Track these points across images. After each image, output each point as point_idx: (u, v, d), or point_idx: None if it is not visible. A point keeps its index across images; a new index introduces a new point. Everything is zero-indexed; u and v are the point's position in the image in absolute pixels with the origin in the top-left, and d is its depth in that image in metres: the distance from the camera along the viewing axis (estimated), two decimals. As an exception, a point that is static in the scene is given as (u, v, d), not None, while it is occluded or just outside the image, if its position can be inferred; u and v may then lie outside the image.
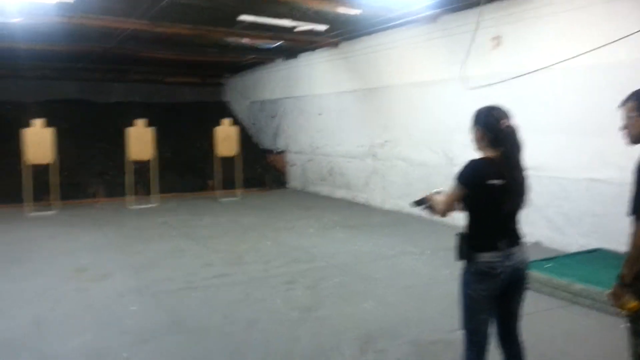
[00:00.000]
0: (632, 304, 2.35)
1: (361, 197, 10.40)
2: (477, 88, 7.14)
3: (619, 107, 2.59)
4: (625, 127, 2.57)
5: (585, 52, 5.90)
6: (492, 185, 2.50)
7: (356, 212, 9.45)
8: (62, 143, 10.29)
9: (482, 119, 2.62)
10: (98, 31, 8.62)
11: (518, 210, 2.63)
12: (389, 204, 9.57)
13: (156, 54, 11.09)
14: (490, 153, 2.58)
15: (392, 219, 8.76)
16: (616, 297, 2.44)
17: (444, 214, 2.69)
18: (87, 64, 12.34)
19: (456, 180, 2.55)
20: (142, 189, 11.09)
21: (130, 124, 10.36)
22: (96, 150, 12.43)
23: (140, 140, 10.28)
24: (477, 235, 2.49)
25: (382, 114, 9.69)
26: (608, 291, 2.48)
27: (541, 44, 6.59)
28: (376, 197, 9.97)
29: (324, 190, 11.67)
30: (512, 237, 2.60)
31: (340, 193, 11.11)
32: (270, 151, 13.94)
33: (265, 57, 12.45)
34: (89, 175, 11.48)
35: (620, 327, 4.07)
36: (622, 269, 2.42)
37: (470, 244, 2.57)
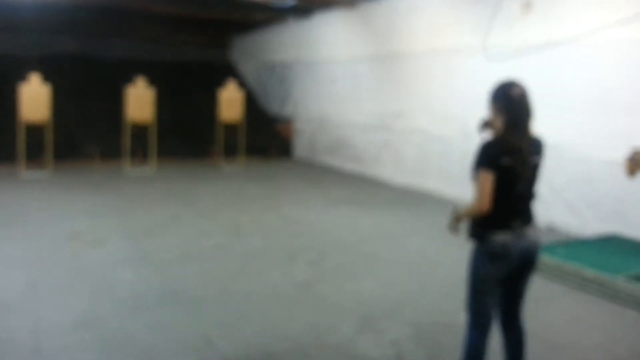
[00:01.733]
0: None
1: (371, 171, 10.47)
2: (500, 59, 7.11)
3: None
4: None
5: (616, 23, 5.82)
6: (505, 165, 2.57)
7: (364, 187, 9.55)
8: (59, 101, 10.40)
9: (498, 94, 2.69)
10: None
11: (531, 189, 2.70)
12: (400, 180, 9.63)
13: (160, 9, 11.07)
14: (503, 130, 2.65)
15: (401, 195, 8.85)
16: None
17: (485, 210, 2.60)
18: (88, 17, 12.32)
19: (479, 167, 2.60)
20: (141, 152, 11.24)
21: (131, 83, 10.43)
22: (94, 109, 12.53)
23: (140, 102, 10.35)
24: (491, 215, 2.58)
25: (398, 83, 9.68)
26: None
27: (574, 13, 6.50)
28: (387, 172, 10.03)
29: (332, 162, 11.73)
30: (525, 216, 2.69)
31: (349, 166, 11.17)
32: (277, 118, 13.97)
33: (276, 16, 12.35)
34: (86, 136, 11.61)
35: (631, 315, 4.21)
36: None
37: (483, 224, 2.65)
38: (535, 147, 2.70)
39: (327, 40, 11.64)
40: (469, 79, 7.91)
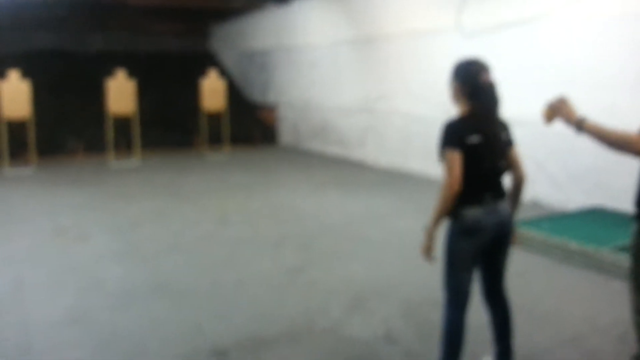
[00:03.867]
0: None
1: (355, 154, 10.45)
2: (476, 37, 7.08)
3: None
4: None
5: None
6: (472, 143, 2.55)
7: (349, 170, 9.52)
8: (39, 97, 10.19)
9: (460, 72, 2.66)
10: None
11: (501, 164, 2.68)
12: (384, 162, 9.63)
13: (136, 0, 10.86)
14: (467, 108, 2.63)
15: (386, 177, 8.85)
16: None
17: (456, 189, 2.52)
18: (63, 12, 12.08)
19: (445, 147, 2.56)
20: (124, 145, 11.09)
21: (111, 76, 10.25)
22: (75, 104, 12.32)
23: (121, 94, 10.20)
24: (462, 192, 2.55)
25: (378, 66, 9.62)
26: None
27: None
28: (371, 154, 10.02)
29: (317, 146, 11.69)
30: (496, 191, 2.66)
31: (333, 150, 11.14)
32: (260, 106, 13.87)
33: (255, 3, 12.19)
34: (68, 131, 11.42)
35: (614, 286, 4.24)
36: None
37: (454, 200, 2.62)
38: (501, 127, 2.68)
39: (306, 26, 11.52)
40: (447, 58, 7.68)
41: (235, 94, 14.00)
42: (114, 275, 4.61)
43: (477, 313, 3.03)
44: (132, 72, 10.56)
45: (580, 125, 2.45)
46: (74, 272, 4.72)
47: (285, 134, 13.00)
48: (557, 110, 2.52)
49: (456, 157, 2.53)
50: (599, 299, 4.05)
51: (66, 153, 11.02)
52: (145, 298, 4.14)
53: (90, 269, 4.78)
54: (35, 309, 3.95)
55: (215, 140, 11.49)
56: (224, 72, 14.15)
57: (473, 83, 2.60)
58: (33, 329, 3.62)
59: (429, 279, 4.39)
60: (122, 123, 10.82)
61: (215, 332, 3.55)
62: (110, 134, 10.38)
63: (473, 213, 2.60)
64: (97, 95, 11.19)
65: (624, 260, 4.23)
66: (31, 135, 9.73)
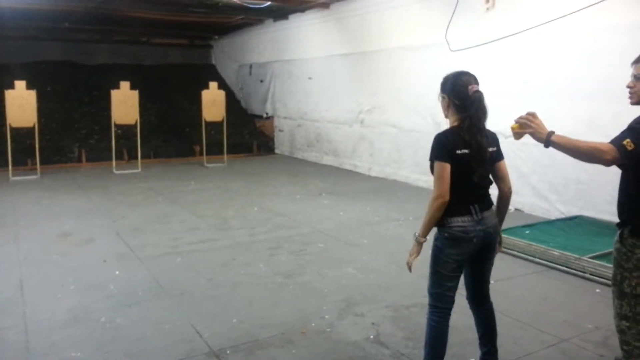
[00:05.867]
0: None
1: (348, 164, 10.47)
2: (466, 52, 7.13)
3: (632, 64, 2.57)
4: (634, 86, 2.56)
5: (577, 11, 5.82)
6: (461, 154, 2.55)
7: (343, 179, 9.52)
8: (46, 106, 10.17)
9: (449, 85, 2.65)
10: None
11: (489, 176, 2.68)
12: (376, 171, 9.66)
13: (141, 14, 10.87)
14: (456, 120, 2.63)
15: (378, 185, 8.86)
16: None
17: (445, 200, 2.53)
18: (71, 24, 12.07)
19: (435, 159, 2.57)
20: (127, 153, 11.07)
21: (116, 87, 10.24)
22: (80, 113, 12.31)
23: (124, 104, 10.18)
24: (450, 202, 2.55)
25: (371, 78, 9.66)
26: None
27: (535, 4, 6.50)
28: (363, 164, 10.04)
29: (312, 156, 11.71)
30: (484, 202, 2.66)
31: (327, 159, 11.16)
32: (258, 116, 13.88)
33: (254, 18, 12.23)
34: (73, 139, 11.40)
35: (595, 292, 4.25)
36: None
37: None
38: (491, 139, 2.67)
39: (303, 40, 11.56)
40: (437, 72, 7.83)
41: (234, 105, 14.03)
42: (114, 278, 4.58)
43: (464, 317, 3.03)
44: (136, 83, 10.57)
45: (548, 139, 2.45)
46: (75, 274, 4.68)
47: (282, 144, 13.01)
48: (526, 126, 2.51)
49: (445, 168, 2.53)
50: (581, 304, 4.05)
51: (71, 160, 10.98)
52: (145, 300, 4.11)
53: (91, 272, 4.74)
54: (37, 310, 3.91)
55: (215, 149, 11.47)
56: (224, 84, 14.20)
57: (462, 95, 2.59)
58: (33, 329, 3.58)
59: (418, 283, 4.38)
60: (126, 132, 10.81)
61: (211, 333, 3.53)
62: (114, 142, 10.35)
63: (461, 223, 2.59)
64: (101, 105, 11.19)
65: (605, 267, 4.25)
66: (37, 143, 9.69)
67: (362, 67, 9.86)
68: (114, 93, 10.13)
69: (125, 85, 10.22)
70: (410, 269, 2.70)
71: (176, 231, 6.08)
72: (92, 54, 14.34)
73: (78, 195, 8.05)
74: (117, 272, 4.72)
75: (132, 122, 10.30)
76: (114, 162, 10.30)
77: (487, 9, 7.15)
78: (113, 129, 10.30)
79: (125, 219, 6.62)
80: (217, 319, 3.75)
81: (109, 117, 10.35)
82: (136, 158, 10.56)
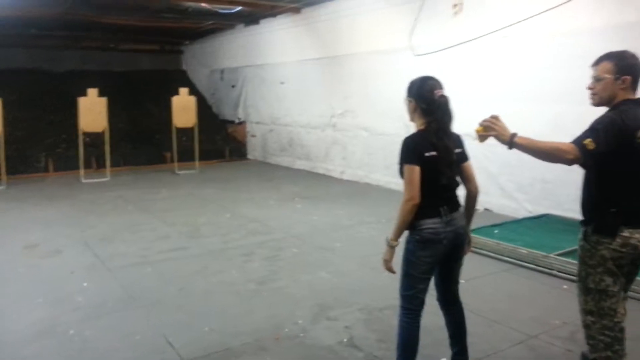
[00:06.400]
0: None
1: (321, 168, 10.48)
2: (433, 56, 7.22)
3: (591, 66, 2.63)
4: (594, 87, 2.62)
5: (540, 13, 5.94)
6: (430, 157, 2.57)
7: (316, 183, 9.53)
8: (11, 115, 9.89)
9: (414, 90, 2.69)
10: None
11: (456, 178, 2.72)
12: (349, 174, 9.69)
13: (110, 20, 10.70)
14: (423, 124, 2.66)
15: (351, 189, 8.89)
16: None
17: (415, 203, 2.55)
18: (38, 31, 11.79)
19: (404, 162, 2.59)
20: (96, 161, 10.85)
21: (84, 94, 10.04)
22: (47, 121, 12.03)
23: (92, 111, 9.98)
24: (420, 204, 2.57)
25: (343, 82, 9.70)
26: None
27: (501, 8, 6.61)
28: (336, 168, 10.07)
29: (285, 161, 11.69)
30: (452, 204, 2.70)
31: (300, 164, 11.14)
32: (230, 122, 13.79)
33: (225, 23, 12.16)
34: (40, 148, 11.13)
35: (562, 288, 4.33)
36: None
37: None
38: (456, 141, 2.71)
39: (275, 45, 11.54)
40: (406, 76, 7.93)
41: (206, 110, 13.91)
42: (83, 289, 4.48)
43: (435, 317, 3.05)
44: (105, 90, 10.37)
45: (511, 141, 2.50)
46: (43, 286, 4.56)
47: (255, 149, 12.94)
48: (489, 128, 2.56)
49: (415, 171, 2.56)
50: (549, 301, 4.12)
51: (38, 170, 10.72)
52: (115, 310, 4.03)
53: (59, 284, 4.63)
54: (4, 324, 3.80)
55: (186, 155, 11.34)
56: (195, 90, 14.06)
57: (428, 99, 2.62)
58: (0, 344, 3.47)
59: (390, 285, 4.40)
60: (95, 140, 10.60)
61: (184, 343, 3.48)
62: (82, 150, 10.14)
63: (431, 225, 2.62)
64: (69, 113, 10.94)
65: (571, 264, 4.34)
66: (2, 153, 9.43)
67: (334, 72, 9.89)
68: (81, 100, 9.94)
69: (93, 92, 10.02)
70: (392, 271, 2.72)
71: (146, 240, 5.98)
72: (60, 60, 14.03)
73: (45, 206, 7.85)
74: (85, 284, 4.61)
75: (101, 129, 10.12)
76: (82, 171, 10.09)
77: (455, 13, 7.26)
78: (81, 137, 10.09)
79: (94, 229, 6.49)
80: (188, 329, 3.70)
81: (76, 125, 10.14)
82: (105, 166, 10.36)
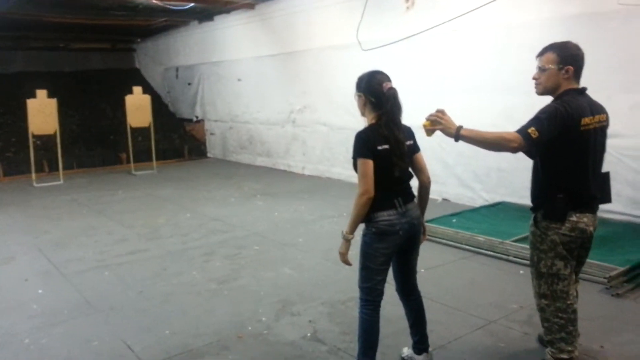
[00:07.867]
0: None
1: (282, 164, 10.45)
2: (378, 48, 7.30)
3: (536, 57, 2.71)
4: (539, 77, 2.70)
5: (487, 4, 6.04)
6: (382, 150, 2.60)
7: (277, 179, 9.49)
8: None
9: (363, 84, 2.70)
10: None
11: (408, 168, 2.75)
12: (310, 170, 9.70)
13: (58, 19, 10.32)
14: (374, 118, 2.68)
15: (312, 184, 8.90)
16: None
17: (370, 195, 2.57)
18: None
19: (358, 156, 2.60)
20: (48, 165, 10.49)
21: (33, 96, 9.66)
22: (-6, 125, 11.54)
23: (42, 113, 9.62)
24: (375, 197, 2.59)
25: (301, 78, 9.67)
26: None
27: (453, 3, 6.68)
28: (297, 164, 10.06)
29: (245, 158, 11.60)
30: (406, 195, 2.73)
31: (261, 161, 11.09)
32: (188, 120, 13.57)
33: (178, 20, 11.92)
34: (-13, 153, 10.68)
35: (519, 273, 4.46)
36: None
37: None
38: (407, 134, 2.74)
39: (230, 41, 11.40)
40: (358, 71, 8.00)
41: (162, 109, 13.65)
42: (38, 296, 4.33)
43: (395, 307, 3.09)
44: (56, 91, 10.03)
45: (457, 133, 2.56)
46: (-6, 296, 4.38)
47: (215, 147, 12.79)
48: (436, 122, 2.62)
49: (368, 165, 2.57)
50: (506, 286, 4.24)
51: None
52: (71, 317, 3.91)
53: (12, 292, 4.46)
54: (-49, 338, 3.63)
55: (143, 156, 11.10)
56: (149, 88, 13.77)
57: (377, 93, 2.64)
58: (-52, 360, 3.32)
59: (352, 278, 4.42)
60: (46, 142, 10.24)
61: (144, 347, 3.40)
62: (32, 154, 9.77)
63: (387, 217, 2.64)
64: (18, 116, 10.53)
65: (527, 249, 4.47)
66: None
67: (291, 67, 9.85)
68: (30, 102, 9.56)
69: (42, 93, 9.66)
70: (349, 264, 2.75)
71: (103, 244, 5.83)
72: (7, 62, 13.47)
73: (-5, 212, 7.55)
74: (40, 291, 4.46)
75: (52, 131, 9.77)
76: (33, 175, 9.73)
77: (407, 7, 7.35)
78: (31, 140, 9.73)
79: (48, 234, 6.27)
80: (148, 332, 3.63)
81: (26, 127, 9.77)
82: (58, 169, 10.02)
